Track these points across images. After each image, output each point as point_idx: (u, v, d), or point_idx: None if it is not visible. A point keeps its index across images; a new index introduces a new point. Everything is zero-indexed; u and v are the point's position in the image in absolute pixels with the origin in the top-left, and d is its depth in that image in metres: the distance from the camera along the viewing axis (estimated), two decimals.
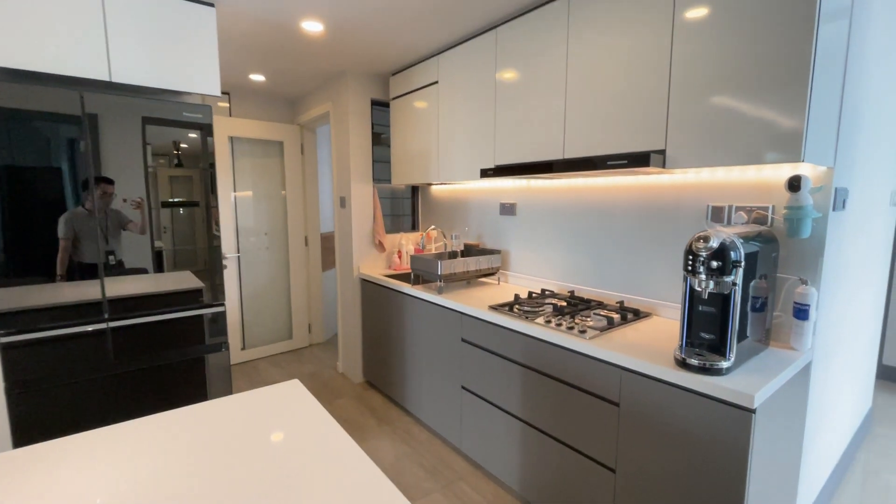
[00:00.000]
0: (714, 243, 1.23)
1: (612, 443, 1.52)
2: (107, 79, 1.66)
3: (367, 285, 2.99)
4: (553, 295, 2.20)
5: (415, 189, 3.42)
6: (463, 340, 2.15)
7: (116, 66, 1.68)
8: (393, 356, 2.76)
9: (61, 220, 1.59)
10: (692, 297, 1.37)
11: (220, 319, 1.88)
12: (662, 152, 1.52)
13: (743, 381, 1.22)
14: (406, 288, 2.53)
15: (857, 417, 2.30)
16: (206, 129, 1.81)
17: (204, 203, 1.89)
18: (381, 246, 3.15)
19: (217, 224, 1.92)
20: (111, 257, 1.70)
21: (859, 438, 2.36)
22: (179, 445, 0.92)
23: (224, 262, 3.40)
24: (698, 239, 1.26)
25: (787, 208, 1.43)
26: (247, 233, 3.62)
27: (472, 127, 2.35)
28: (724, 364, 1.26)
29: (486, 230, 2.79)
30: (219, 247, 1.91)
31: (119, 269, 1.69)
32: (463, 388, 2.18)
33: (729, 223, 1.65)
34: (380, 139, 3.18)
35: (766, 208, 1.55)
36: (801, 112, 1.21)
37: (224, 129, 3.34)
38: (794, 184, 1.39)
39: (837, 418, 1.92)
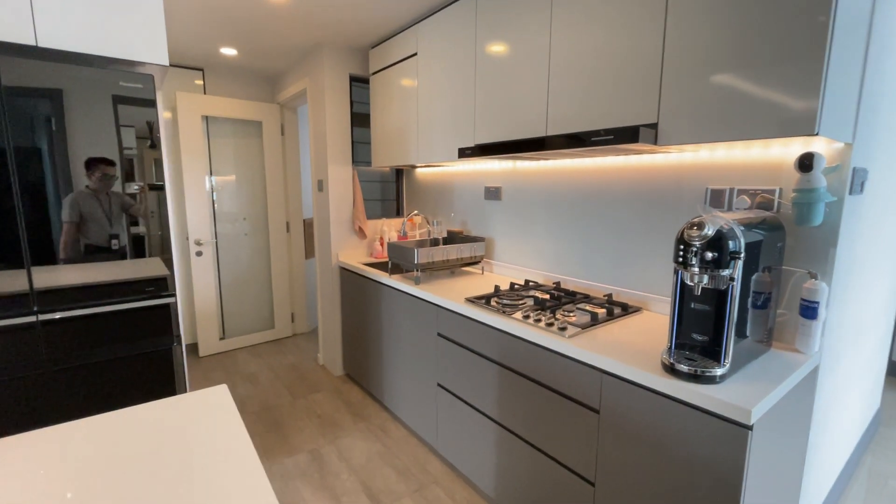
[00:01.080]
0: (709, 231, 1.05)
1: (591, 453, 1.36)
2: (32, 43, 1.48)
3: (346, 274, 2.83)
4: (537, 287, 2.03)
5: (399, 172, 3.23)
6: (439, 335, 1.99)
7: (43, 28, 1.49)
8: (371, 349, 2.61)
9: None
10: (683, 293, 1.19)
11: (167, 312, 1.72)
12: (654, 126, 1.33)
13: (739, 390, 1.05)
14: (383, 277, 2.36)
15: (865, 419, 2.13)
16: (149, 103, 1.62)
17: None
18: (361, 232, 2.98)
19: (164, 209, 1.74)
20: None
21: (866, 441, 2.20)
22: (67, 460, 0.77)
23: (199, 248, 3.25)
24: (691, 226, 1.08)
25: (796, 191, 1.25)
26: (224, 218, 3.45)
27: (452, 103, 2.16)
28: (718, 371, 1.09)
29: (471, 216, 2.61)
30: (166, 234, 1.74)
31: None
32: (439, 385, 2.03)
33: (729, 208, 1.46)
34: (361, 118, 2.98)
35: (772, 191, 1.36)
36: (817, 79, 1.01)
37: (197, 107, 3.15)
38: (806, 162, 1.20)
39: (844, 423, 1.76)
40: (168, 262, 1.74)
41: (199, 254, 3.26)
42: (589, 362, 1.32)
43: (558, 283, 2.03)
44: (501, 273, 2.41)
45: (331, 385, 2.90)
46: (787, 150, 1.33)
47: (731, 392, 1.04)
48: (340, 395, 2.77)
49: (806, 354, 1.28)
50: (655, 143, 1.32)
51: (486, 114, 1.96)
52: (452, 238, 2.64)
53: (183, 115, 3.08)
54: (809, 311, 1.26)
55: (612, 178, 1.81)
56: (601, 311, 1.65)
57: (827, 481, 1.69)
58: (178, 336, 1.76)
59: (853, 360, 1.68)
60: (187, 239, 3.27)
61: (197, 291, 3.30)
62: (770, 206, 1.36)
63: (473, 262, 2.41)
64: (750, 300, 1.18)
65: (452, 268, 2.36)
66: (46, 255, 1.50)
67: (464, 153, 1.90)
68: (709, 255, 1.05)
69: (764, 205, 1.38)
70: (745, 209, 1.40)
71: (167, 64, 1.72)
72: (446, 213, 2.79)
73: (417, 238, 2.96)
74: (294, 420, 2.47)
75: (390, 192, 3.23)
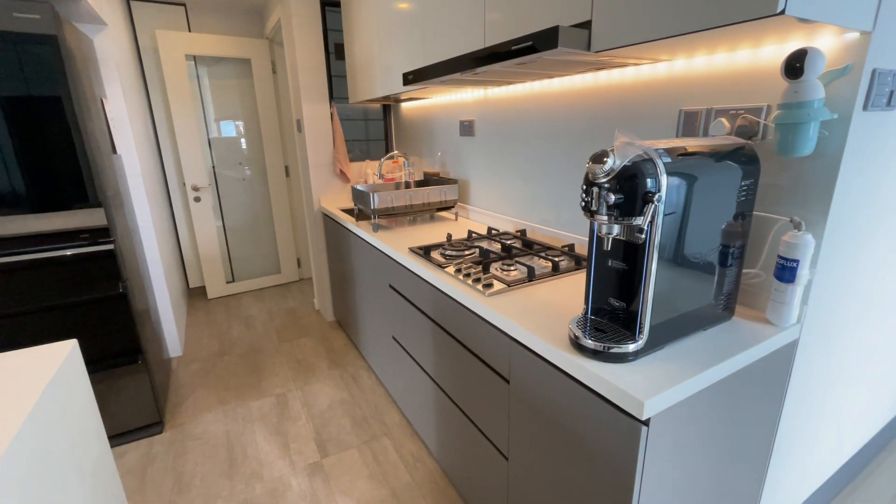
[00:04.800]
0: (613, 163, 0.77)
1: (504, 426, 1.20)
2: None
3: (327, 220, 2.73)
4: (497, 236, 1.79)
5: (387, 109, 2.97)
6: (390, 286, 1.85)
7: None
8: (350, 296, 2.54)
9: None
10: (600, 246, 0.93)
11: (104, 260, 1.71)
12: (586, 25, 1.00)
13: (653, 373, 0.82)
14: (350, 224, 2.22)
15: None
16: (50, 41, 1.49)
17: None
18: (343, 176, 2.82)
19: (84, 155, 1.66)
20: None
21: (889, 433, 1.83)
22: None
23: (196, 193, 3.28)
24: (595, 158, 0.80)
25: (780, 107, 0.90)
26: (221, 163, 3.43)
27: (405, 16, 1.84)
28: (631, 346, 0.86)
29: (449, 155, 2.35)
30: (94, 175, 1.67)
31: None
32: (393, 338, 1.92)
33: (705, 134, 1.12)
34: (341, 49, 2.72)
35: (758, 110, 1.00)
36: None
37: (179, 45, 3.03)
38: (796, 64, 0.85)
39: (854, 411, 1.43)
40: (107, 212, 1.69)
41: (197, 199, 3.30)
42: (499, 326, 1.12)
43: (523, 232, 1.78)
44: (476, 219, 2.17)
45: (319, 331, 2.92)
46: (782, 48, 0.95)
47: (640, 375, 0.81)
48: (325, 341, 2.78)
49: (777, 327, 0.99)
50: (588, 47, 1.00)
51: (434, 27, 1.65)
52: (427, 180, 2.41)
53: (165, 54, 2.99)
54: (786, 271, 0.95)
55: (579, 102, 1.48)
56: (546, 265, 1.41)
57: (815, 479, 1.41)
58: (121, 283, 1.75)
59: (872, 335, 1.32)
60: (184, 185, 3.30)
61: (199, 237, 3.37)
62: (754, 130, 1.02)
63: (447, 207, 2.19)
64: (717, 255, 0.91)
65: (418, 213, 2.16)
66: None
67: (406, 80, 1.63)
68: (612, 197, 0.78)
69: (745, 129, 1.03)
70: (723, 135, 1.06)
71: None
72: (432, 152, 2.54)
73: (402, 181, 2.76)
74: (273, 364, 2.51)
75: (379, 131, 3.01)
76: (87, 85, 1.73)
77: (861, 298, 1.18)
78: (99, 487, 0.98)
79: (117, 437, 1.90)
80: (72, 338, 1.73)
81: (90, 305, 1.74)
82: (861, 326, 1.24)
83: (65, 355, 0.95)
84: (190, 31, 3.18)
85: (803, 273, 0.94)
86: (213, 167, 3.41)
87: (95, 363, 1.79)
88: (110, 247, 1.72)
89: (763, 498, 1.18)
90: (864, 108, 0.88)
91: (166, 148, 3.28)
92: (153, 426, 1.96)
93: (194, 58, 3.19)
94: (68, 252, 1.65)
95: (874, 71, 0.86)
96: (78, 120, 1.56)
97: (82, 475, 0.90)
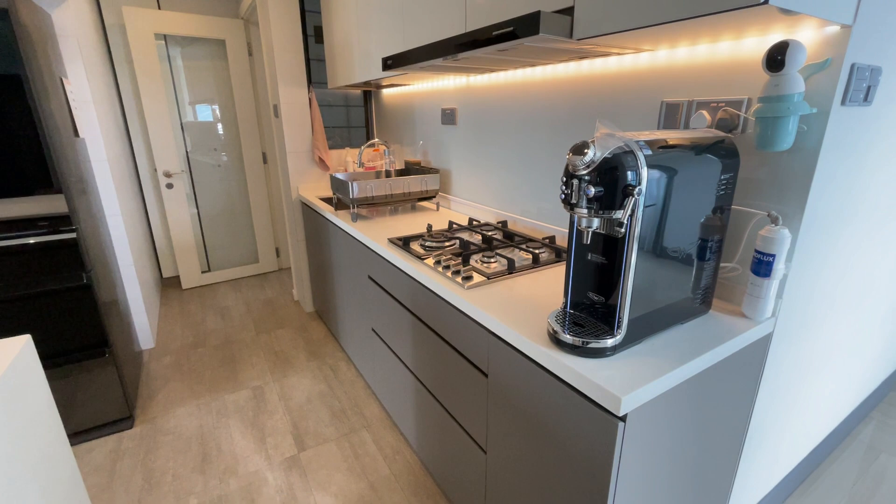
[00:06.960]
0: (594, 155, 0.75)
1: (483, 420, 1.19)
2: None
3: (306, 209, 2.66)
4: (477, 227, 1.77)
5: (367, 95, 2.90)
6: (369, 278, 1.81)
7: None
8: (329, 287, 2.50)
9: None
10: (580, 240, 0.92)
11: (67, 249, 1.62)
12: (569, 12, 0.97)
13: (630, 368, 0.81)
14: (329, 213, 2.17)
15: (871, 384, 1.82)
16: (2, 16, 1.38)
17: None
18: (322, 164, 2.75)
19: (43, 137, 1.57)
20: None
21: (867, 408, 1.90)
22: None
23: (168, 180, 3.16)
24: (576, 149, 0.78)
25: (760, 101, 0.89)
26: (195, 148, 3.30)
27: None
28: (609, 342, 0.85)
29: (431, 144, 2.30)
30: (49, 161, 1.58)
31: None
32: (372, 330, 1.89)
33: (686, 126, 1.11)
34: (319, 32, 2.63)
35: (739, 103, 1.00)
36: None
37: (148, 23, 2.88)
38: (777, 57, 0.84)
39: (824, 397, 1.47)
40: (69, 199, 1.61)
41: (169, 186, 3.17)
42: (478, 319, 1.10)
43: (504, 223, 1.76)
44: (458, 210, 2.15)
45: (298, 322, 2.86)
46: (764, 40, 0.94)
47: (618, 370, 0.81)
48: (304, 332, 2.73)
49: (753, 321, 0.99)
50: (571, 35, 0.97)
51: (415, 12, 1.60)
52: (409, 170, 2.37)
53: (133, 32, 2.84)
54: (762, 266, 0.95)
55: (562, 91, 1.45)
56: (527, 258, 1.39)
57: (784, 466, 1.45)
58: (85, 273, 1.67)
59: (845, 326, 1.35)
60: (156, 171, 3.17)
61: (172, 225, 3.26)
62: (734, 123, 1.01)
63: (428, 197, 2.16)
64: (696, 250, 0.91)
65: (399, 203, 2.12)
66: None
67: (386, 65, 1.58)
68: (591, 190, 0.77)
69: (725, 122, 1.02)
70: (704, 128, 1.05)
71: None
72: (413, 141, 2.49)
73: (383, 170, 2.70)
74: (250, 356, 2.46)
75: (360, 117, 2.93)
76: (45, 63, 1.62)
77: (832, 292, 1.20)
78: (55, 488, 0.93)
79: (84, 433, 1.83)
80: (34, 331, 1.65)
81: (53, 296, 1.65)
82: (830, 319, 1.27)
83: (16, 352, 0.89)
84: (160, 8, 3.03)
85: (779, 267, 0.94)
86: (187, 152, 3.29)
87: (60, 356, 1.71)
88: (73, 235, 1.64)
89: (734, 486, 1.21)
90: (843, 102, 0.88)
91: (136, 132, 3.14)
92: (122, 421, 1.89)
93: (165, 37, 3.04)
94: (29, 241, 1.56)
95: (853, 66, 0.86)
96: (34, 100, 1.46)
97: (35, 476, 0.86)
